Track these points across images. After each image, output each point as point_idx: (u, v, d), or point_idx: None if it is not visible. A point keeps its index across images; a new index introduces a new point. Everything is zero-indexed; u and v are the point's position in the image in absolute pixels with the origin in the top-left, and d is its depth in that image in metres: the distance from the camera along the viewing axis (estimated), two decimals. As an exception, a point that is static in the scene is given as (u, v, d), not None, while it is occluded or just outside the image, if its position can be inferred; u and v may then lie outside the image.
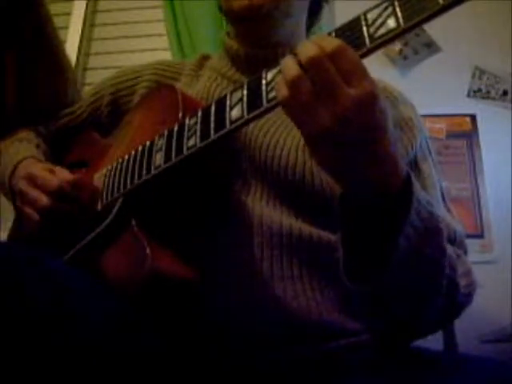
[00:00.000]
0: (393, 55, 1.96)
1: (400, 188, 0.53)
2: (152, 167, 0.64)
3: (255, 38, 0.82)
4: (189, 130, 0.61)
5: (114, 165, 0.73)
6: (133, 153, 0.70)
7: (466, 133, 1.90)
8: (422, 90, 1.71)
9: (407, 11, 0.45)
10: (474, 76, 1.94)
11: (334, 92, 0.47)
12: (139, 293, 0.59)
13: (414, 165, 0.76)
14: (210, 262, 0.65)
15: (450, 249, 0.61)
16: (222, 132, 0.57)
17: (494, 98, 1.93)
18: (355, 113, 0.47)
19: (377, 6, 0.48)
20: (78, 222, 0.73)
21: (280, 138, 0.73)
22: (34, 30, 0.65)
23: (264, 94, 0.53)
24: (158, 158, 0.64)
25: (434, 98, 1.83)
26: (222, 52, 0.88)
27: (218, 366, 0.63)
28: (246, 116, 0.54)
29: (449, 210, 0.77)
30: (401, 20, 0.45)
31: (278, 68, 0.52)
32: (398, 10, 0.46)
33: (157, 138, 0.66)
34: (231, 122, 0.56)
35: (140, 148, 0.69)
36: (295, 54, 0.49)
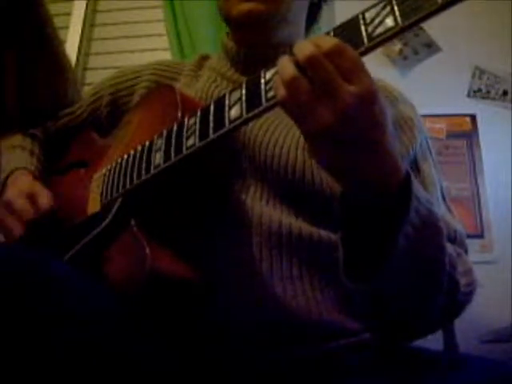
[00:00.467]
0: (393, 55, 1.96)
1: (400, 186, 0.53)
2: (151, 167, 0.64)
3: (254, 42, 0.82)
4: (188, 130, 0.61)
5: (113, 165, 0.73)
6: (132, 153, 0.70)
7: (466, 133, 1.90)
8: (422, 89, 1.72)
9: (405, 10, 0.45)
10: (474, 76, 1.94)
11: (333, 90, 0.47)
12: (139, 293, 0.59)
13: (414, 164, 0.76)
14: (209, 262, 0.65)
15: (449, 247, 0.61)
16: (221, 131, 0.57)
17: (493, 98, 1.93)
18: (355, 110, 0.47)
19: (375, 5, 0.48)
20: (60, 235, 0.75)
21: (280, 136, 0.73)
22: (34, 30, 0.64)
23: (263, 93, 0.53)
24: (158, 158, 0.64)
25: (434, 98, 1.83)
26: (221, 52, 0.88)
27: (218, 366, 0.63)
28: (245, 115, 0.54)
29: (449, 210, 0.77)
30: (399, 19, 0.45)
31: (277, 67, 0.52)
32: (396, 8, 0.46)
33: (156, 137, 0.66)
34: (230, 122, 0.56)
35: (139, 148, 0.69)
36: (292, 54, 0.49)
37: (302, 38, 0.85)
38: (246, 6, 0.75)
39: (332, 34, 0.50)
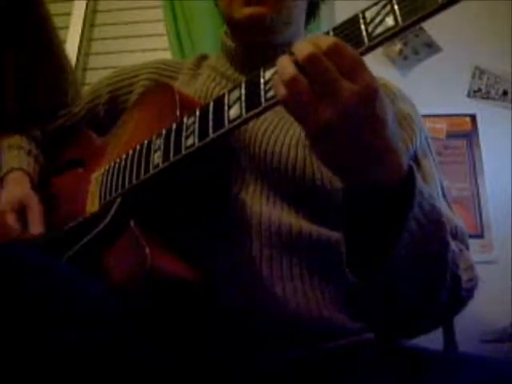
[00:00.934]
0: (393, 55, 1.96)
1: (402, 182, 0.53)
2: (150, 167, 0.64)
3: (255, 43, 0.81)
4: (187, 129, 0.61)
5: (112, 164, 0.72)
6: (131, 152, 0.70)
7: (466, 133, 1.90)
8: (422, 90, 1.72)
9: (405, 9, 0.45)
10: (474, 76, 1.95)
11: (333, 88, 0.47)
12: (139, 293, 0.59)
13: (414, 161, 0.76)
14: (208, 262, 0.65)
15: (452, 243, 0.61)
16: (220, 131, 0.57)
17: (494, 98, 1.93)
18: (357, 107, 0.47)
19: (375, 4, 0.48)
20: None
21: (280, 134, 0.73)
22: (34, 30, 0.64)
23: (262, 92, 0.53)
24: (157, 158, 0.64)
25: (434, 97, 1.83)
26: (220, 51, 0.88)
27: (218, 366, 0.63)
28: (244, 115, 0.54)
29: (450, 208, 0.77)
30: (399, 18, 0.45)
31: (276, 67, 0.52)
32: (396, 8, 0.46)
33: (154, 137, 0.66)
34: (230, 121, 0.56)
35: (138, 147, 0.69)
36: (291, 53, 0.49)
37: (302, 38, 0.85)
38: (248, 10, 0.75)
39: (332, 33, 0.50)
